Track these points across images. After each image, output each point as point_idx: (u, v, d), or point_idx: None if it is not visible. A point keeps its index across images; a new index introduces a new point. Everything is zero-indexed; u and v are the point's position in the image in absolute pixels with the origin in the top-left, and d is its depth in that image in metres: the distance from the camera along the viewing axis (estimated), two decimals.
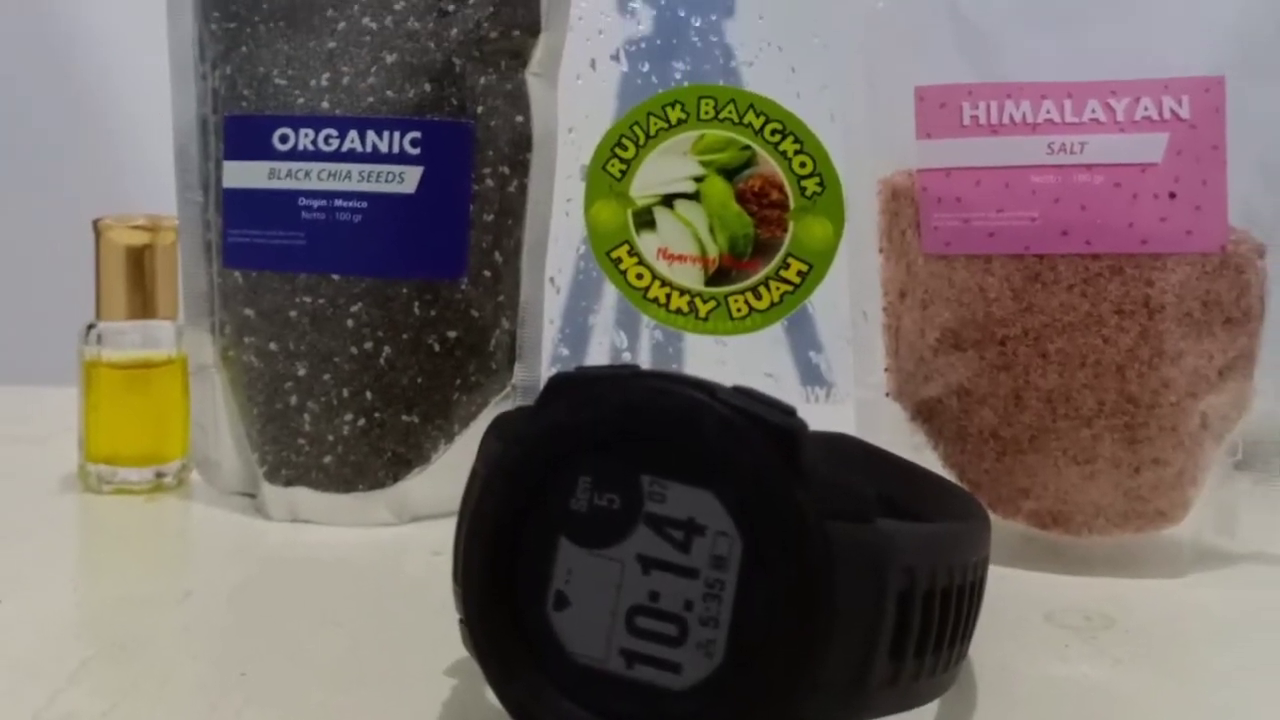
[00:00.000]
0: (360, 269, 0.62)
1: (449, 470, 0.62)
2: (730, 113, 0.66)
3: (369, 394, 0.62)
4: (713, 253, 0.66)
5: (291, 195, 0.63)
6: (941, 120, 0.59)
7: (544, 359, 0.67)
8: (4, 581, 0.53)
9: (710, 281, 0.67)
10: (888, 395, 0.62)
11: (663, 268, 0.67)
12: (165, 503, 0.65)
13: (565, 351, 0.72)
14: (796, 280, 0.66)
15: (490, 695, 0.36)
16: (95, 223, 0.67)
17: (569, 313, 0.71)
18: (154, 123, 0.71)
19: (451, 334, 0.63)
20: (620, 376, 0.37)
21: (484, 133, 0.63)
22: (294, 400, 0.62)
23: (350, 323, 0.62)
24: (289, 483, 0.62)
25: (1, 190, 1.97)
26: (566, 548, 0.36)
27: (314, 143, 0.62)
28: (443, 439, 0.63)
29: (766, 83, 0.66)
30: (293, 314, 0.62)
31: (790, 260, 0.66)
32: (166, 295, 0.67)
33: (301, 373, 0.62)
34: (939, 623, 0.38)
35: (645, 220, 0.67)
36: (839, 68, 0.64)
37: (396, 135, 0.62)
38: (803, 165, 0.65)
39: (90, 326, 0.67)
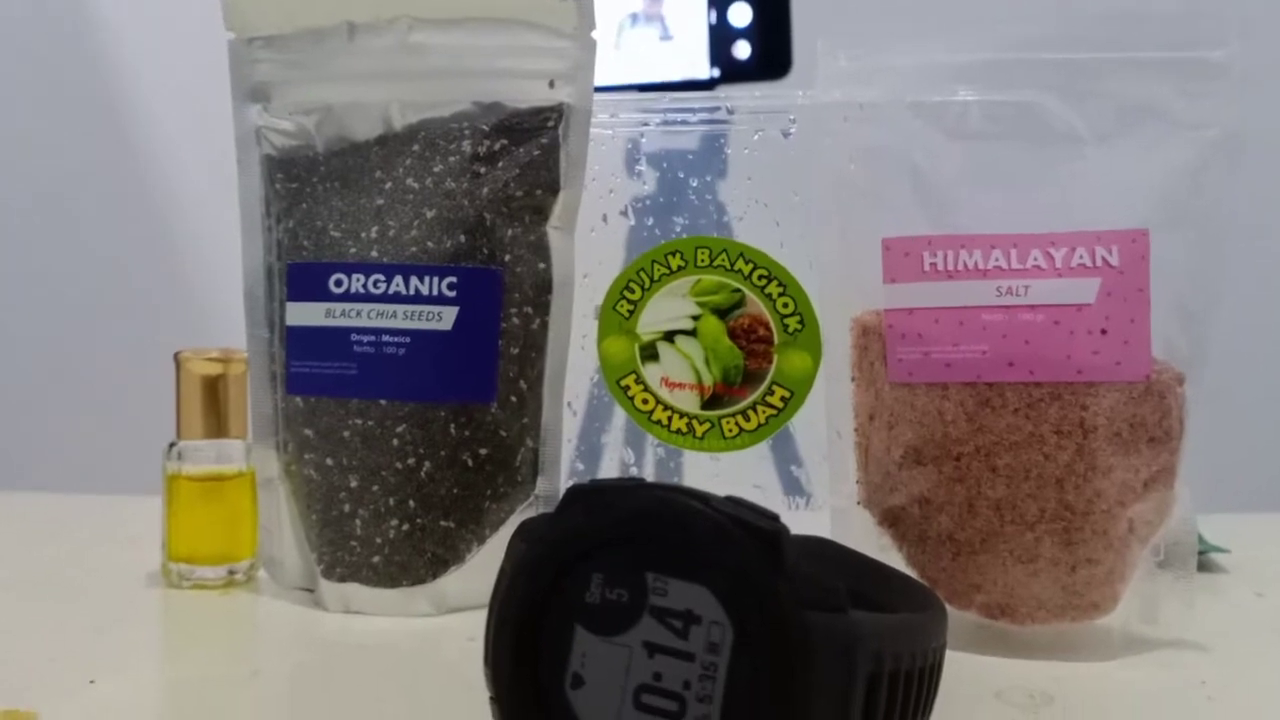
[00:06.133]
0: (404, 395, 0.62)
1: (481, 569, 0.62)
2: (723, 260, 0.66)
3: (412, 503, 0.62)
4: (708, 381, 0.67)
5: (345, 332, 0.63)
6: (905, 267, 0.59)
7: (562, 472, 0.66)
8: (98, 664, 0.53)
9: (706, 406, 0.67)
10: (859, 504, 0.62)
11: (665, 394, 0.68)
12: (236, 596, 0.65)
13: (581, 466, 0.72)
14: (780, 405, 0.67)
15: None
16: (176, 355, 0.67)
17: (584, 433, 0.71)
18: (227, 269, 0.72)
19: (483, 451, 0.63)
20: (628, 488, 0.37)
21: (511, 278, 0.63)
22: (347, 508, 0.62)
23: (395, 441, 0.62)
24: (342, 579, 0.62)
25: (99, 330, 2.00)
26: (582, 635, 0.36)
27: (364, 286, 0.63)
28: (475, 541, 0.63)
29: (754, 235, 0.67)
30: (346, 434, 0.62)
31: (775, 388, 0.66)
32: (237, 418, 0.67)
33: (353, 484, 0.62)
34: (902, 700, 0.38)
35: (650, 353, 0.67)
36: (816, 222, 0.64)
37: (435, 280, 0.62)
38: (785, 306, 0.66)
39: (172, 445, 0.67)
